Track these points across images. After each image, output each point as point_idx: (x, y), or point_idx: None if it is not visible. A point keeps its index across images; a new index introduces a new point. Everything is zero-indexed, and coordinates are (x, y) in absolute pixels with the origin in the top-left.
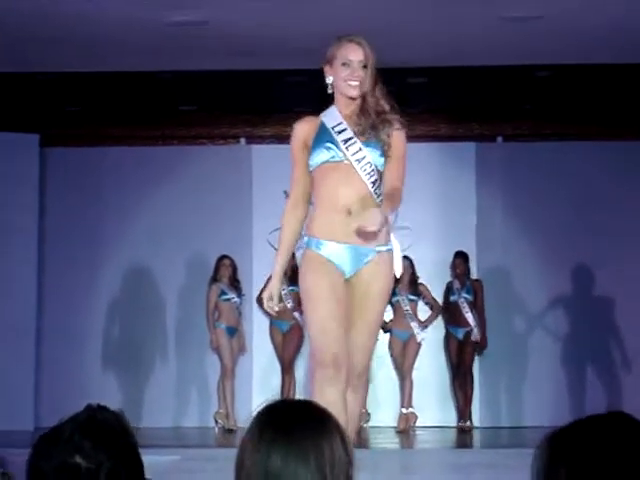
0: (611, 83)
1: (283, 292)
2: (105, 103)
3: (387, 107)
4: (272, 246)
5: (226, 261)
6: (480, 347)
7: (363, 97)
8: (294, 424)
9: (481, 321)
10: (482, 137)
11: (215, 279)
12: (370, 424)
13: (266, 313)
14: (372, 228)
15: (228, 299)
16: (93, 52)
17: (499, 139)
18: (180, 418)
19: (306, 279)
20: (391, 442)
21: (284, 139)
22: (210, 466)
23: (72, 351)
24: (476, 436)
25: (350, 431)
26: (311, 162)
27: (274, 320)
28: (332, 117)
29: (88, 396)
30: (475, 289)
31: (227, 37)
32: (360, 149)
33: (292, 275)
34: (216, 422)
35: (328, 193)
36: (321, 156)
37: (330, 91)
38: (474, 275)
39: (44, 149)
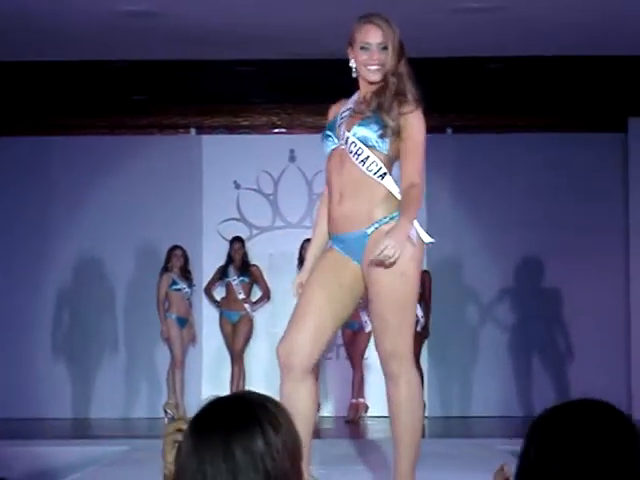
0: (560, 76)
1: (234, 282)
2: (55, 92)
3: (409, 87)
4: (222, 237)
5: (178, 251)
6: (423, 337)
7: (384, 78)
8: (210, 423)
9: (426, 311)
10: (432, 129)
11: (166, 269)
12: (320, 414)
13: (215, 304)
14: (386, 255)
15: (179, 289)
16: (43, 41)
17: (449, 130)
18: (129, 409)
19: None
20: (341, 432)
21: (234, 129)
22: (159, 457)
23: (20, 341)
24: (425, 426)
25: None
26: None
27: (224, 310)
28: (348, 101)
29: (36, 386)
30: (423, 281)
31: (178, 27)
32: (345, 129)
33: (242, 266)
34: (166, 413)
35: (329, 183)
36: (325, 146)
37: (355, 75)
38: (424, 266)
39: None
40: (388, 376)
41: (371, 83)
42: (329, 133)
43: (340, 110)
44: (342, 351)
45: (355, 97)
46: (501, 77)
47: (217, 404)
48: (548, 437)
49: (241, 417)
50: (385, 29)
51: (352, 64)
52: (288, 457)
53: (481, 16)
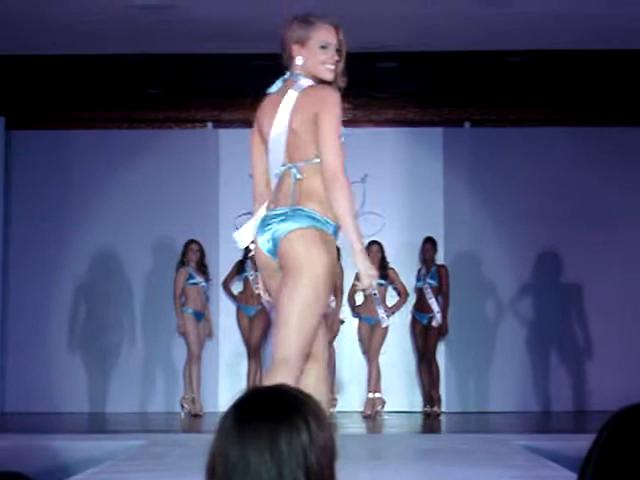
0: (580, 69)
1: (251, 277)
2: (72, 86)
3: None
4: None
5: (194, 246)
6: (441, 333)
7: (335, 78)
8: (254, 412)
9: (444, 307)
10: (450, 122)
11: (183, 263)
12: (337, 409)
13: (233, 299)
14: (363, 281)
15: (195, 283)
16: (60, 35)
17: (467, 124)
18: (146, 403)
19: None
20: (358, 427)
21: (251, 123)
22: (176, 451)
23: (38, 335)
24: (442, 421)
25: None
26: None
27: (241, 305)
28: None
29: (53, 381)
30: (440, 274)
31: (194, 20)
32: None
33: None
34: (182, 407)
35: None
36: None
37: (298, 72)
38: (441, 260)
39: (10, 131)
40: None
41: (322, 82)
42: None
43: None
44: (358, 346)
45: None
46: (520, 70)
47: (259, 394)
48: (618, 436)
49: (286, 409)
50: (340, 32)
51: (299, 62)
52: (327, 454)
53: (500, 9)
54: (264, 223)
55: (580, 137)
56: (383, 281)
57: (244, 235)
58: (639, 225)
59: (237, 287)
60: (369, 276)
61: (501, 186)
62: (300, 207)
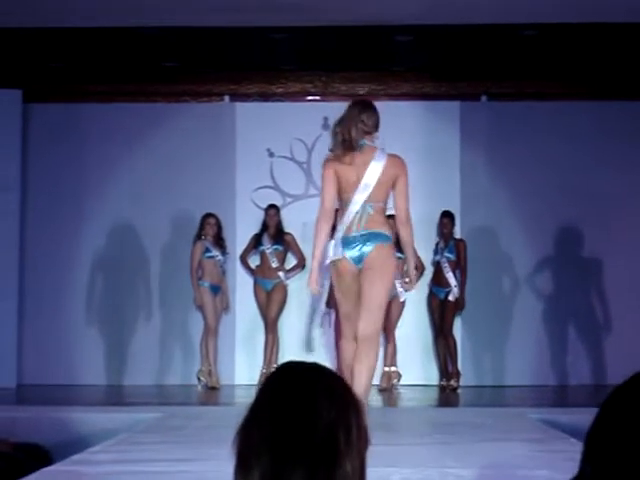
0: (597, 42)
1: (268, 251)
2: (88, 59)
3: None
4: (256, 205)
5: (211, 219)
6: (458, 307)
7: None
8: (297, 377)
9: (462, 281)
10: (467, 96)
11: (200, 237)
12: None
13: (250, 272)
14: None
15: (212, 257)
16: (76, 8)
17: (483, 98)
18: (163, 376)
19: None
20: (374, 400)
21: (268, 97)
22: (193, 423)
23: (55, 308)
24: (459, 395)
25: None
26: None
27: (258, 278)
28: None
29: (71, 353)
30: (458, 248)
31: None
32: None
33: (276, 234)
34: (199, 380)
35: None
36: None
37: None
38: (458, 234)
39: (27, 105)
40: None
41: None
42: None
43: None
44: None
45: None
46: (536, 44)
47: (304, 364)
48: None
49: (327, 376)
50: None
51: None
52: (363, 438)
53: None
54: (350, 242)
55: (599, 111)
56: (400, 254)
57: (332, 252)
58: None
59: (254, 261)
60: (415, 282)
61: (518, 160)
62: (378, 230)
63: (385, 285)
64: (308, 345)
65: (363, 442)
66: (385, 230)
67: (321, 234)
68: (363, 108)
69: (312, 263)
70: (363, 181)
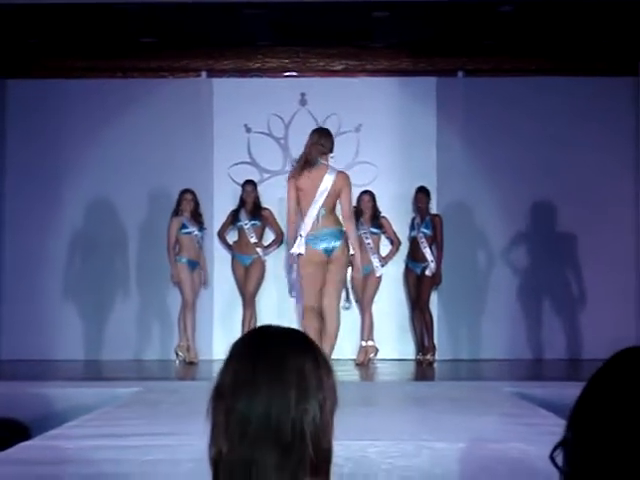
0: (573, 19)
1: (245, 226)
2: (65, 35)
3: None
4: (233, 180)
5: (188, 195)
6: (434, 282)
7: None
8: (268, 339)
9: (438, 256)
10: (443, 72)
11: (177, 213)
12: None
13: (228, 248)
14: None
15: (189, 232)
16: None
17: (460, 74)
18: (141, 351)
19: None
20: (351, 374)
21: (245, 72)
22: (171, 398)
23: (33, 284)
24: (435, 369)
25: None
26: None
27: (236, 254)
28: None
29: (49, 328)
30: (434, 224)
31: None
32: None
33: (253, 209)
34: (177, 355)
35: None
36: None
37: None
38: (434, 209)
39: (3, 81)
40: None
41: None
42: None
43: None
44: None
45: None
46: (512, 20)
47: (274, 328)
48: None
49: (299, 343)
50: None
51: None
52: (331, 399)
53: None
54: (317, 238)
55: (574, 87)
56: (376, 230)
57: (298, 247)
58: (631, 175)
59: (232, 236)
60: (359, 268)
61: (494, 135)
62: (334, 228)
63: (344, 272)
64: (284, 318)
65: (333, 404)
66: (338, 226)
67: (291, 230)
68: (321, 134)
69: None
70: (319, 190)
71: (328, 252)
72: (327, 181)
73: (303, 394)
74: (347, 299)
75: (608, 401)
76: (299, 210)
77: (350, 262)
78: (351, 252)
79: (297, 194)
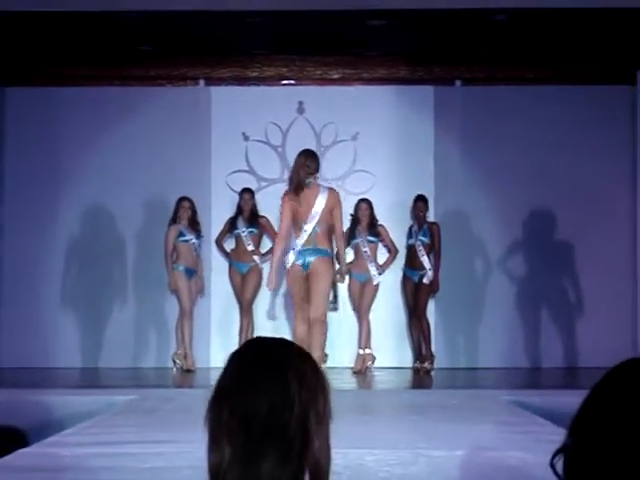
0: (568, 27)
1: (243, 234)
2: (64, 43)
3: None
4: (231, 188)
5: (185, 203)
6: (432, 290)
7: None
8: (266, 347)
9: (436, 264)
10: (441, 80)
11: (174, 221)
12: (327, 365)
13: (226, 255)
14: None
15: (186, 240)
16: None
17: (457, 83)
18: (139, 359)
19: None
20: (348, 382)
21: (243, 81)
22: (168, 405)
23: (31, 291)
24: (433, 377)
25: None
26: None
27: (233, 261)
28: None
29: (47, 336)
30: (432, 232)
31: None
32: None
33: (251, 217)
34: (174, 363)
35: None
36: None
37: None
38: (431, 217)
39: (3, 88)
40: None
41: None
42: None
43: None
44: (348, 303)
45: None
46: (509, 29)
47: (270, 339)
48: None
49: (296, 354)
50: None
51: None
52: (326, 408)
53: None
54: (301, 254)
55: (571, 95)
56: (373, 238)
57: (290, 260)
58: (628, 183)
59: (229, 244)
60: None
61: (491, 144)
62: (322, 247)
63: (326, 282)
64: (281, 326)
65: (328, 417)
66: (327, 247)
67: (277, 252)
68: (307, 156)
69: (270, 271)
70: (313, 210)
71: (305, 267)
72: (320, 201)
73: (303, 395)
74: (334, 301)
75: (611, 410)
76: (293, 227)
77: (336, 272)
78: (337, 267)
79: (292, 214)
